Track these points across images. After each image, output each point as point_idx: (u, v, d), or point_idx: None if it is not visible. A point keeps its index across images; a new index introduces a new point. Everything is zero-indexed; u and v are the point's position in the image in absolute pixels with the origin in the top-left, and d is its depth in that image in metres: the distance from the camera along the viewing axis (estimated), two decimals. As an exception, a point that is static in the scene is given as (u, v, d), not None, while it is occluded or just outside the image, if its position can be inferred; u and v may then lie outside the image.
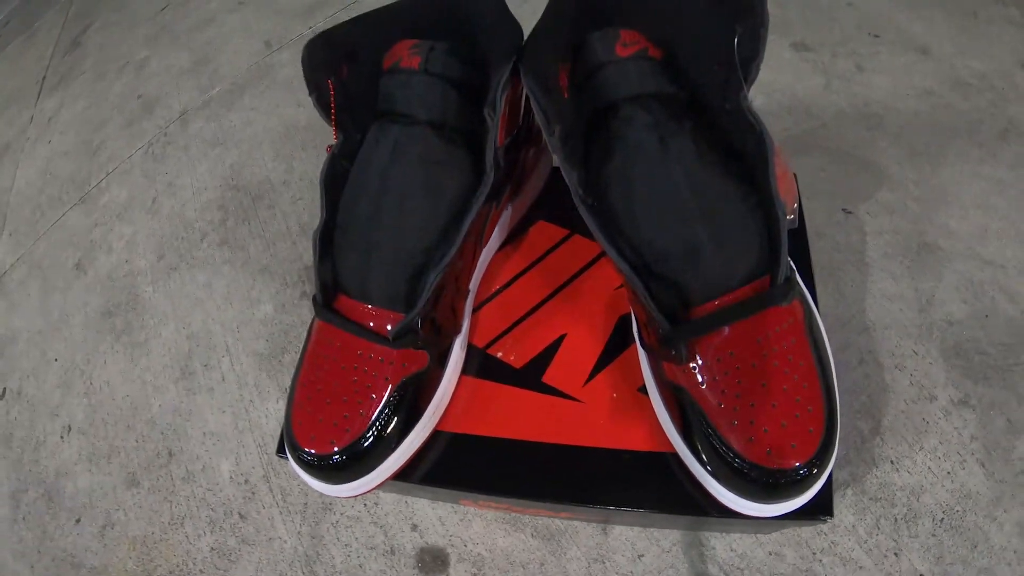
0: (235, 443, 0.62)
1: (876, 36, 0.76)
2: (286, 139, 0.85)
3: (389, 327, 0.35)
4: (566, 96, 0.34)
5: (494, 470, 0.37)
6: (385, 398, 0.36)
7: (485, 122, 0.35)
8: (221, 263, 0.74)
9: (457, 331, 0.39)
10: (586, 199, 0.32)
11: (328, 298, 0.37)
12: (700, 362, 0.31)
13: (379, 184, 0.35)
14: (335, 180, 0.37)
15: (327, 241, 0.37)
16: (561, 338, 0.40)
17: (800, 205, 0.43)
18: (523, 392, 0.39)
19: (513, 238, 0.46)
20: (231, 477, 0.60)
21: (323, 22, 1.02)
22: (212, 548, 0.58)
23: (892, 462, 0.49)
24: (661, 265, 0.32)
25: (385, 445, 0.36)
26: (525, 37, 0.37)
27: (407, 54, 0.36)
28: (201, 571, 0.58)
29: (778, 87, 0.73)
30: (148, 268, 0.77)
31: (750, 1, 0.29)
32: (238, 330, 0.68)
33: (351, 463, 0.35)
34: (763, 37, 0.29)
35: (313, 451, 0.35)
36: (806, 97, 0.71)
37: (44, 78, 1.16)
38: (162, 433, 0.65)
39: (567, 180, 0.32)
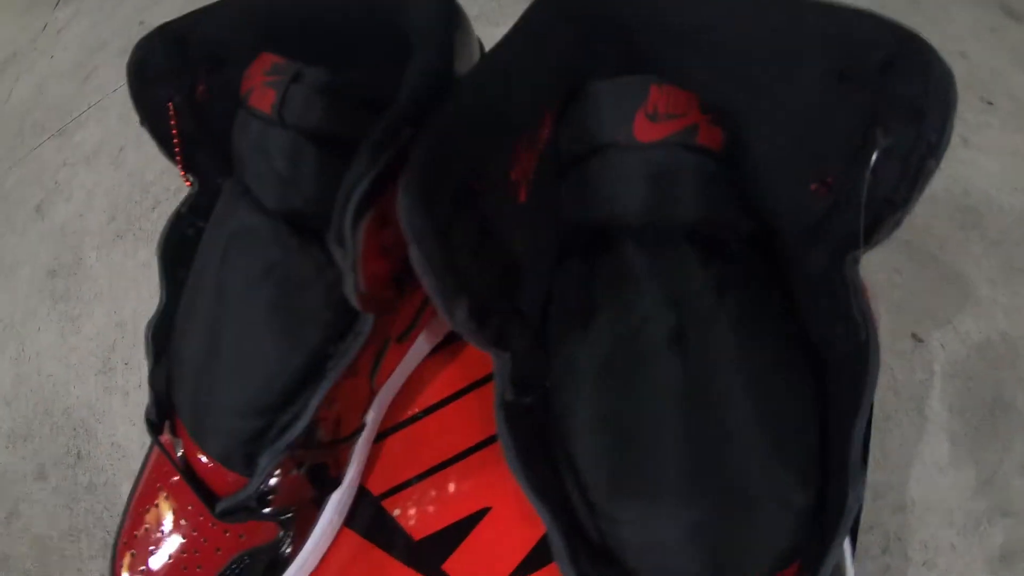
0: (136, 464, 0.55)
1: (989, 103, 0.59)
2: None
3: (222, 485, 0.26)
4: (521, 197, 0.20)
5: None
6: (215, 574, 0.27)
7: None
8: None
9: (333, 487, 0.29)
10: (516, 400, 0.19)
11: (161, 417, 0.27)
12: None
13: (215, 293, 0.24)
14: (179, 249, 0.26)
15: (163, 336, 0.27)
16: (481, 513, 0.30)
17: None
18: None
19: (454, 339, 0.35)
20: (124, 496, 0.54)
21: None
22: (102, 573, 0.53)
23: None
24: (626, 549, 0.19)
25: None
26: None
27: (260, 81, 0.22)
28: (89, 598, 0.54)
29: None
30: (98, 229, 0.71)
31: (920, 99, 0.15)
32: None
33: None
34: (925, 172, 0.15)
35: None
36: (895, 166, 0.56)
37: (64, -19, 1.07)
38: (74, 429, 0.60)
39: (495, 364, 0.19)
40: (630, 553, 0.19)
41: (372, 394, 0.29)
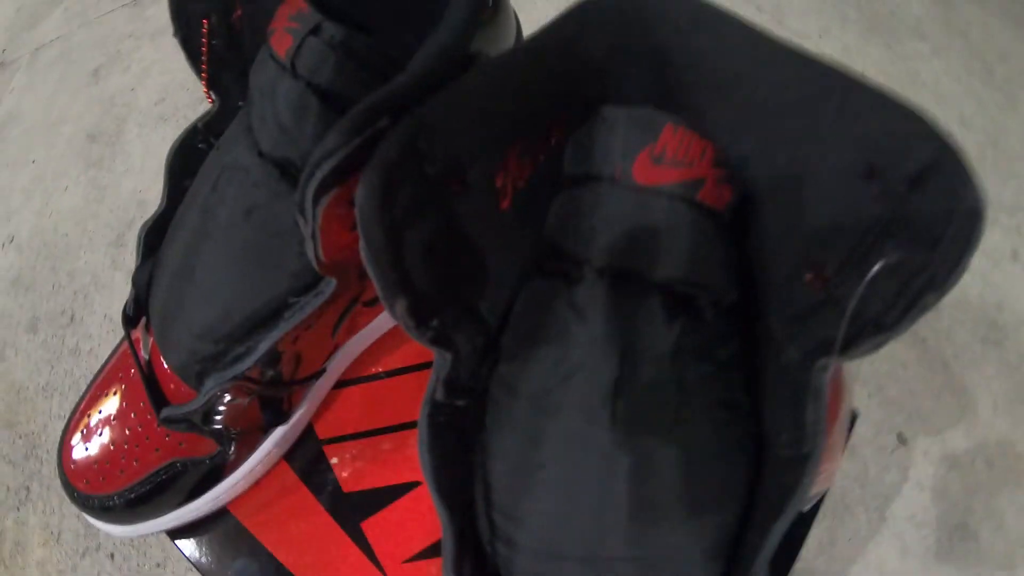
0: (123, 346, 0.57)
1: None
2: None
3: (176, 393, 0.26)
4: (503, 204, 0.19)
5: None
6: (147, 474, 0.28)
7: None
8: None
9: (281, 421, 0.29)
10: (447, 400, 0.19)
11: (137, 314, 0.28)
12: None
13: (200, 216, 0.24)
14: (188, 161, 0.26)
15: (154, 239, 0.27)
16: (411, 485, 0.30)
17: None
18: (331, 527, 0.30)
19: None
20: (106, 377, 0.56)
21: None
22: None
23: None
24: (529, 559, 0.19)
25: (146, 511, 0.29)
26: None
27: (283, 25, 0.22)
28: (47, 452, 0.56)
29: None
30: (145, 107, 0.72)
31: (941, 225, 0.14)
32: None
33: (119, 510, 0.29)
34: (921, 305, 0.14)
35: (83, 493, 0.29)
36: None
37: None
38: (75, 293, 0.62)
39: (435, 360, 0.19)
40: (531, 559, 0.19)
41: (334, 347, 0.29)
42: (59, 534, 0.52)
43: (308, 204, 0.17)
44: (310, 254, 0.20)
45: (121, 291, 0.60)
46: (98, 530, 0.31)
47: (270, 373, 0.25)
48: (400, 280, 0.16)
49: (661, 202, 0.18)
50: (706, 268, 0.18)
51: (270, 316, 0.24)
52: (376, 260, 0.15)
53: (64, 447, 0.30)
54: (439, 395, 0.18)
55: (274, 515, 0.31)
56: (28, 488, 0.54)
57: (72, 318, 0.60)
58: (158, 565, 0.49)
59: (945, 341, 0.51)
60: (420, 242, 0.16)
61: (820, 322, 0.15)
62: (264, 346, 0.23)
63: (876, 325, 0.14)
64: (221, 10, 0.23)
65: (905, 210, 0.14)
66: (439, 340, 0.18)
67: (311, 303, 0.23)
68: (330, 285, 0.23)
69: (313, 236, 0.18)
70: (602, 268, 0.18)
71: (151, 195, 0.66)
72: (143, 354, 0.27)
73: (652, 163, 0.18)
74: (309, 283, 0.23)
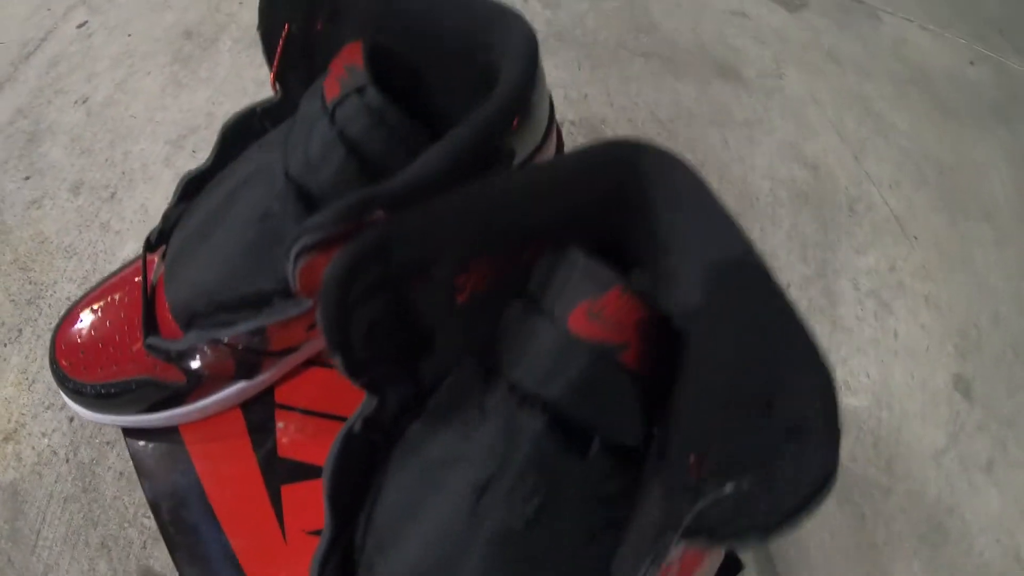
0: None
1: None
2: None
3: (167, 325, 0.30)
4: (460, 298, 0.21)
5: (178, 518, 0.32)
6: (120, 379, 0.31)
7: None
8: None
9: (249, 377, 0.32)
10: (363, 434, 0.22)
11: (158, 244, 0.31)
12: None
13: (226, 195, 0.27)
14: (241, 135, 0.29)
15: (194, 186, 0.30)
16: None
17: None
18: (255, 479, 0.33)
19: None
20: (123, 259, 0.60)
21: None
22: (68, 297, 0.59)
23: None
24: None
25: (110, 407, 0.33)
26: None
27: (337, 73, 0.24)
28: (49, 306, 0.60)
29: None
30: (246, 25, 0.75)
31: (796, 478, 0.15)
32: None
33: (88, 398, 0.33)
34: (748, 536, 0.15)
35: (64, 372, 0.33)
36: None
37: None
38: (123, 173, 0.65)
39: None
40: None
41: (309, 337, 0.33)
42: (33, 382, 0.56)
43: (291, 256, 0.20)
44: (290, 283, 0.23)
45: (165, 188, 0.64)
46: (72, 410, 0.34)
47: (249, 344, 0.29)
48: (340, 343, 0.19)
49: (583, 351, 0.20)
50: (609, 413, 0.21)
51: (257, 303, 0.27)
52: (325, 324, 0.18)
53: (62, 325, 0.34)
54: (357, 428, 0.21)
55: (214, 449, 0.34)
56: (20, 331, 0.58)
57: (113, 195, 0.64)
58: (107, 443, 0.53)
59: (883, 524, 0.52)
60: (367, 318, 0.19)
61: (680, 502, 0.17)
62: (248, 326, 0.26)
63: (710, 533, 0.16)
64: (304, 21, 0.26)
65: (775, 454, 0.16)
66: (370, 387, 0.21)
67: (290, 310, 0.26)
68: (306, 303, 0.26)
69: (292, 275, 0.22)
70: (513, 385, 0.21)
71: (222, 111, 0.69)
72: (152, 277, 0.31)
73: (588, 317, 0.20)
74: (292, 294, 0.27)
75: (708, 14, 0.86)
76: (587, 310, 0.20)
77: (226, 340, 0.27)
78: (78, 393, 0.33)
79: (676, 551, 0.18)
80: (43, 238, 0.63)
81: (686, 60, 0.80)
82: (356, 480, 0.22)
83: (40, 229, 0.63)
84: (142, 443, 0.35)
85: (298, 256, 0.20)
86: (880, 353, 0.59)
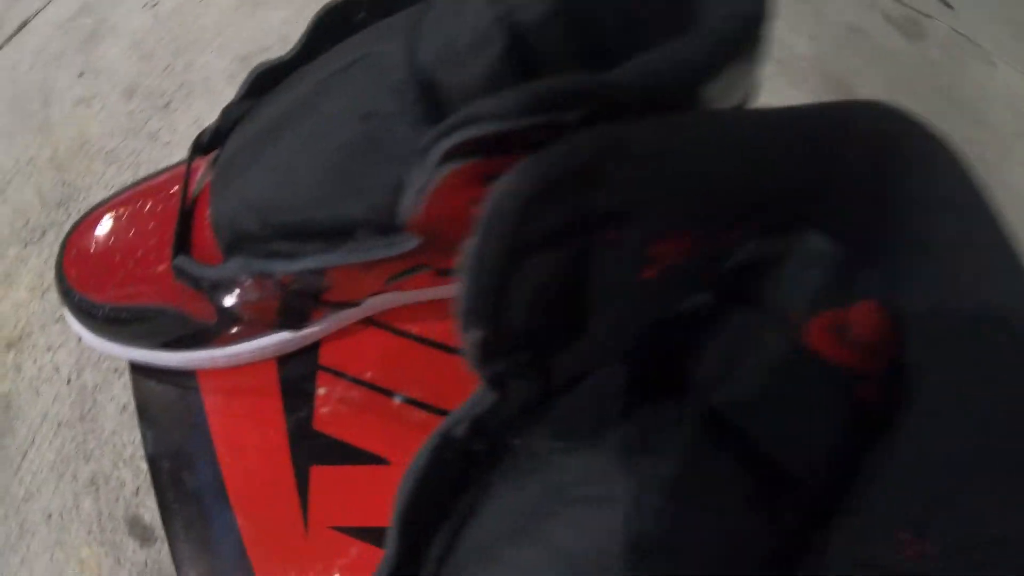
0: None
1: None
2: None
3: (203, 246, 0.24)
4: (646, 273, 0.15)
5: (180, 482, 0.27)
6: (135, 304, 0.25)
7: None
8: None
9: (293, 328, 0.26)
10: (464, 441, 0.16)
11: (211, 146, 0.25)
12: None
13: (316, 91, 0.21)
14: (336, 26, 0.23)
15: (265, 81, 0.24)
16: (379, 459, 0.27)
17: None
18: (281, 452, 0.27)
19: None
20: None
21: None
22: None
23: None
24: None
25: (119, 336, 0.27)
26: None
27: None
28: (78, 211, 0.56)
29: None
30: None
31: None
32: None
33: (96, 320, 0.28)
34: None
35: (71, 286, 0.27)
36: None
37: None
38: (182, 84, 0.61)
39: (473, 394, 0.16)
40: None
41: (383, 291, 0.26)
42: (47, 289, 0.51)
43: (434, 157, 0.14)
44: (406, 204, 0.17)
45: (213, 111, 0.59)
46: (76, 334, 0.29)
47: (305, 287, 0.22)
48: (490, 309, 0.12)
49: (819, 377, 0.14)
50: (814, 459, 0.14)
51: (330, 236, 0.20)
52: (478, 273, 0.12)
53: (78, 227, 0.28)
54: (459, 431, 0.15)
55: (236, 406, 0.28)
56: (44, 232, 0.54)
57: (167, 105, 0.59)
58: (115, 371, 0.48)
59: None
60: (535, 277, 0.13)
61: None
62: (309, 263, 0.20)
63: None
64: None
65: None
66: (494, 381, 0.14)
67: (379, 250, 0.19)
68: (408, 243, 0.19)
69: (420, 191, 0.15)
70: (710, 411, 0.15)
71: (297, 33, 0.64)
72: (194, 186, 0.25)
73: (832, 332, 0.15)
74: (387, 227, 0.20)
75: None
76: (832, 323, 0.14)
77: (278, 276, 0.21)
78: (84, 312, 0.27)
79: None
80: (85, 139, 0.58)
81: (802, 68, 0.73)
82: (439, 497, 0.16)
83: (84, 130, 0.59)
84: (151, 384, 0.29)
85: (444, 160, 0.13)
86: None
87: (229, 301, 0.23)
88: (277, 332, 0.26)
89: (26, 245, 0.53)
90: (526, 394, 0.16)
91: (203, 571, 0.27)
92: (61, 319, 0.50)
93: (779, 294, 0.15)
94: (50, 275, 0.52)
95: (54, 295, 0.51)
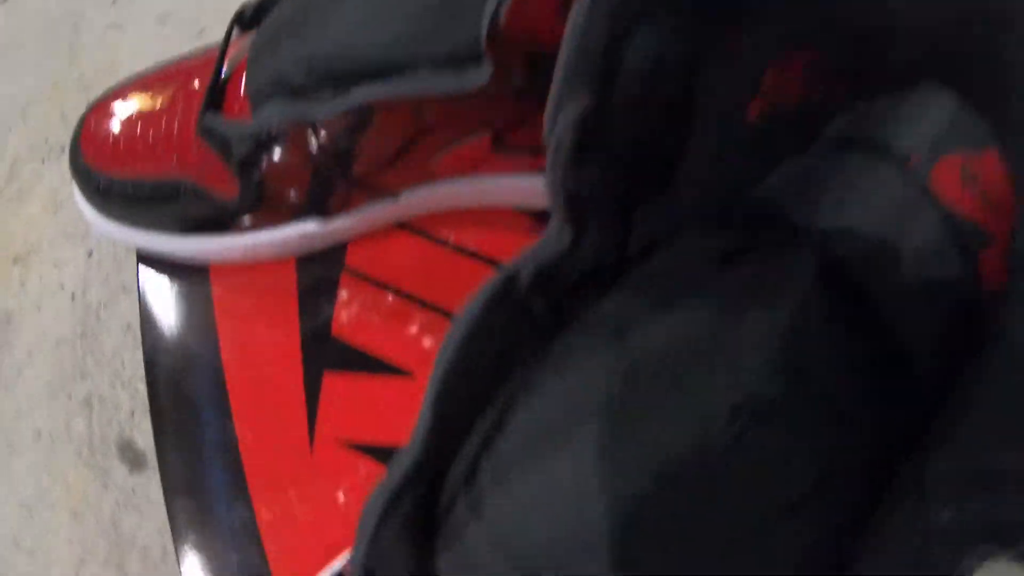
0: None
1: None
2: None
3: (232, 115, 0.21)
4: (751, 114, 0.13)
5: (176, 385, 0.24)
6: (154, 176, 0.23)
7: None
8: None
9: (316, 213, 0.24)
10: (526, 289, 0.13)
11: (253, 21, 0.23)
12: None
13: None
14: None
15: None
16: (400, 371, 0.24)
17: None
18: (293, 357, 0.24)
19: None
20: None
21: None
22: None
23: None
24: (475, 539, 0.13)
25: (133, 216, 0.25)
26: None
27: None
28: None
29: None
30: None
31: None
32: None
33: (110, 199, 0.25)
34: None
35: (87, 164, 0.25)
36: None
37: None
38: (217, 11, 0.59)
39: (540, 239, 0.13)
40: (473, 545, 0.13)
41: (425, 177, 0.23)
42: (60, 207, 0.49)
43: None
44: (488, 9, 0.14)
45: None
46: (88, 222, 0.27)
47: (343, 145, 0.20)
48: (598, 70, 0.10)
49: (944, 226, 0.12)
50: (931, 332, 0.12)
51: (385, 67, 0.17)
52: (586, 28, 0.09)
53: (96, 106, 0.26)
54: (522, 277, 0.12)
55: (247, 306, 0.26)
56: (63, 149, 0.52)
57: (201, 32, 0.58)
58: (123, 288, 0.46)
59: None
60: (647, 50, 0.10)
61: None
62: (357, 96, 0.17)
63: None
64: None
65: None
66: (572, 204, 0.11)
67: (443, 82, 0.17)
68: (480, 75, 0.16)
69: None
70: (821, 246, 0.12)
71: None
72: (227, 65, 0.23)
73: (959, 177, 0.12)
74: (456, 54, 0.17)
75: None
76: (960, 166, 0.12)
77: (320, 119, 0.18)
78: (99, 192, 0.25)
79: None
80: (115, 63, 0.57)
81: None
82: (487, 368, 0.13)
83: (115, 54, 0.57)
84: (158, 276, 0.26)
85: None
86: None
87: (254, 171, 0.20)
88: (302, 221, 0.24)
89: (43, 161, 0.52)
90: (601, 248, 0.13)
91: (193, 491, 0.24)
92: (72, 236, 0.48)
93: (897, 135, 0.13)
94: (65, 193, 0.50)
95: (67, 212, 0.49)
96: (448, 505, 0.13)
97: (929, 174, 0.12)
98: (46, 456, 0.40)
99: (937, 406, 0.13)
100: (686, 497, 0.12)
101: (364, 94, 0.18)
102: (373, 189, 0.23)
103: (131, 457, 0.39)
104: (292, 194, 0.22)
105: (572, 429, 0.12)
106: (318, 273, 0.25)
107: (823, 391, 0.12)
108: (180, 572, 0.24)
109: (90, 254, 0.46)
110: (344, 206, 0.24)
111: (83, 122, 0.27)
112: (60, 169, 0.52)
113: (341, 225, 0.24)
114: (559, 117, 0.10)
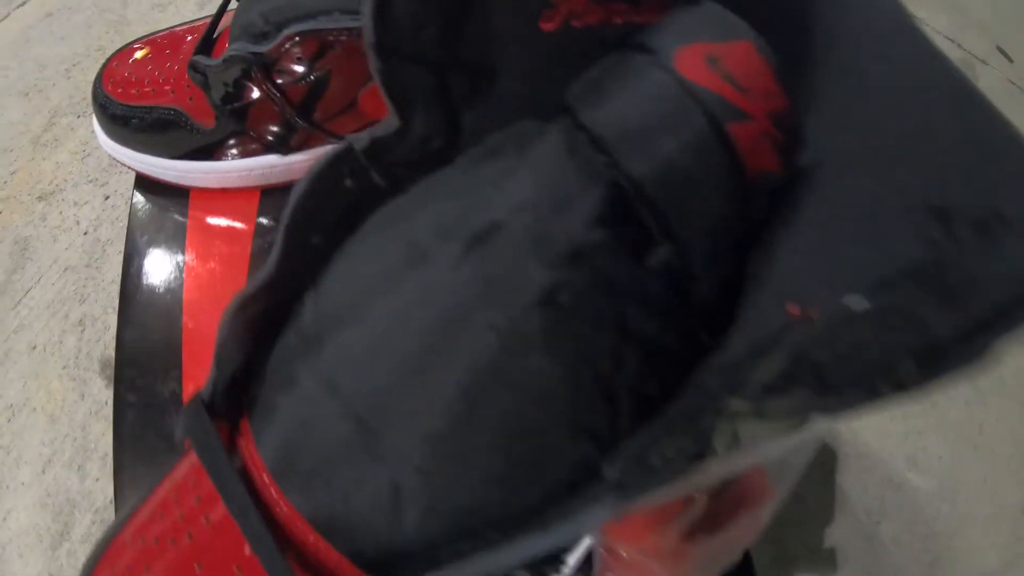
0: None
1: None
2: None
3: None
4: (547, 25, 0.16)
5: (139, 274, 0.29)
6: (154, 105, 0.28)
7: None
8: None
9: (277, 150, 0.28)
10: (363, 161, 0.17)
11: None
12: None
13: None
14: None
15: None
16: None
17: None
18: (240, 270, 0.28)
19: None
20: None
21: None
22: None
23: None
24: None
25: (135, 141, 0.30)
26: None
27: None
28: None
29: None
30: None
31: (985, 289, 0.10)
32: None
33: (119, 124, 0.30)
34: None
35: (107, 93, 0.30)
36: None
37: None
38: None
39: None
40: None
41: (364, 123, 0.28)
42: (87, 155, 0.55)
43: None
44: None
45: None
46: (100, 143, 0.31)
47: (299, 70, 0.24)
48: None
49: (691, 103, 0.14)
50: (694, 214, 0.14)
51: (313, 12, 0.23)
52: None
53: (119, 52, 0.31)
54: (360, 144, 0.16)
55: (213, 226, 0.30)
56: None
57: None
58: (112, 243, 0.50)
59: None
60: None
61: (765, 361, 0.11)
62: (290, 30, 0.22)
63: (818, 376, 0.10)
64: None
65: (945, 253, 0.10)
66: (394, 97, 0.15)
67: (348, 21, 0.21)
68: None
69: None
70: (582, 127, 0.15)
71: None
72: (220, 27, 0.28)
73: (705, 60, 0.14)
74: None
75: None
76: (703, 52, 0.14)
77: (270, 58, 0.23)
78: (112, 118, 0.30)
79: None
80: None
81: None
82: (331, 218, 0.17)
83: (155, 28, 0.63)
84: (148, 195, 0.31)
85: None
86: (959, 441, 0.49)
87: (231, 103, 0.25)
88: (266, 156, 0.28)
89: (79, 116, 0.57)
90: (428, 134, 0.16)
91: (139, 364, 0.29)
92: (94, 181, 0.53)
93: (656, 34, 0.15)
94: (94, 143, 0.55)
95: (93, 159, 0.54)
96: (293, 331, 0.17)
97: (673, 57, 0.14)
98: (37, 366, 0.45)
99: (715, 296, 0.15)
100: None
101: (294, 29, 0.22)
102: (328, 133, 0.27)
103: (109, 373, 0.43)
104: (261, 131, 0.27)
105: (388, 285, 0.16)
106: (274, 204, 0.30)
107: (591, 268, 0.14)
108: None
109: (107, 198, 0.51)
110: (302, 146, 0.28)
111: (107, 62, 0.32)
112: (93, 124, 0.57)
113: (298, 160, 0.29)
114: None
